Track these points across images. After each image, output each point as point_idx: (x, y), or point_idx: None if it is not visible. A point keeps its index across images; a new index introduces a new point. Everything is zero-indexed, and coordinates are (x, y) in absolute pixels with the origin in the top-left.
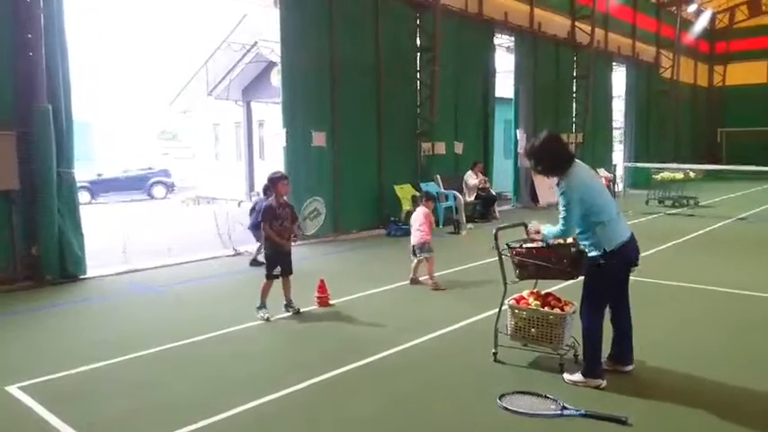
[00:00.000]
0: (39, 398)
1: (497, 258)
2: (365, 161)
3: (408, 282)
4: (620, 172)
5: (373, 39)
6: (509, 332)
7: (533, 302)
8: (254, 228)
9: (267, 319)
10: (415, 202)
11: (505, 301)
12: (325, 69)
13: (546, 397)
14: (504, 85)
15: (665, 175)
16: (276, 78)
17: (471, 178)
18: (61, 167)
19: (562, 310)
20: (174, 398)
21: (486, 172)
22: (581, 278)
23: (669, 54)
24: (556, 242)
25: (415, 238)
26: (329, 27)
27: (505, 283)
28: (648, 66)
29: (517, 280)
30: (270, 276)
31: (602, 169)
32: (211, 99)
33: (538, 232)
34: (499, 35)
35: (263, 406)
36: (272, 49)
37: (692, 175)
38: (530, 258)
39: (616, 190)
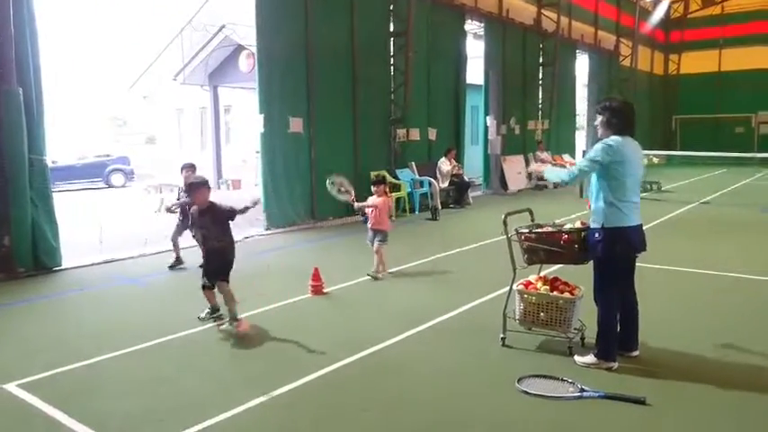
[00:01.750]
0: (43, 395)
1: (506, 243)
2: (341, 148)
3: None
4: (579, 158)
5: (348, 23)
6: (517, 317)
7: (542, 287)
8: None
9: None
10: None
11: (514, 286)
12: (301, 55)
13: (563, 380)
14: (472, 72)
15: None
16: (245, 63)
17: (445, 165)
18: (33, 154)
19: (571, 294)
20: (185, 393)
21: (459, 158)
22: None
23: (628, 42)
24: (565, 226)
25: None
26: (304, 11)
27: (515, 269)
28: (609, 54)
29: (526, 265)
30: (204, 287)
31: (567, 155)
32: (175, 84)
33: (539, 171)
34: (469, 21)
35: (277, 398)
36: (235, 31)
37: (655, 160)
38: (540, 243)
39: None
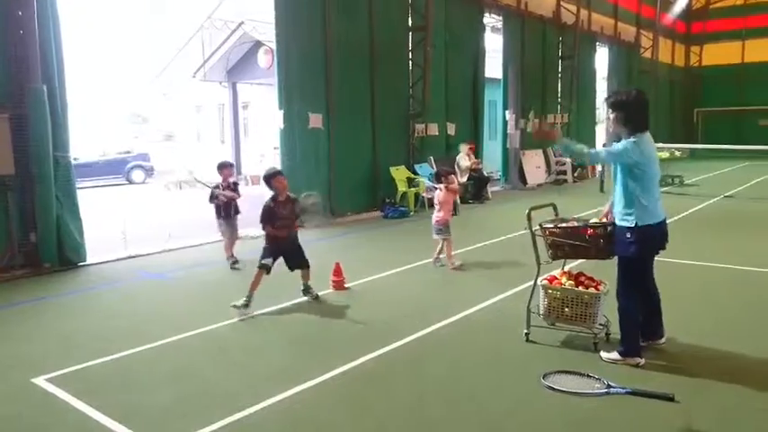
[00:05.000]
0: (71, 389)
1: (531, 239)
2: (360, 143)
3: (432, 261)
4: None
5: (366, 18)
6: (541, 312)
7: (566, 282)
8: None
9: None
10: (438, 179)
11: (538, 282)
12: (320, 50)
13: (589, 376)
14: (489, 66)
15: None
16: (263, 59)
17: (464, 160)
18: (57, 151)
19: (596, 289)
20: (213, 386)
21: (478, 153)
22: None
23: (649, 34)
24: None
25: (434, 217)
26: (323, 5)
27: (539, 263)
28: (629, 46)
29: (550, 260)
30: (263, 266)
31: None
32: (194, 81)
33: (556, 134)
34: (488, 14)
35: (302, 393)
36: (255, 27)
37: (677, 154)
38: (565, 238)
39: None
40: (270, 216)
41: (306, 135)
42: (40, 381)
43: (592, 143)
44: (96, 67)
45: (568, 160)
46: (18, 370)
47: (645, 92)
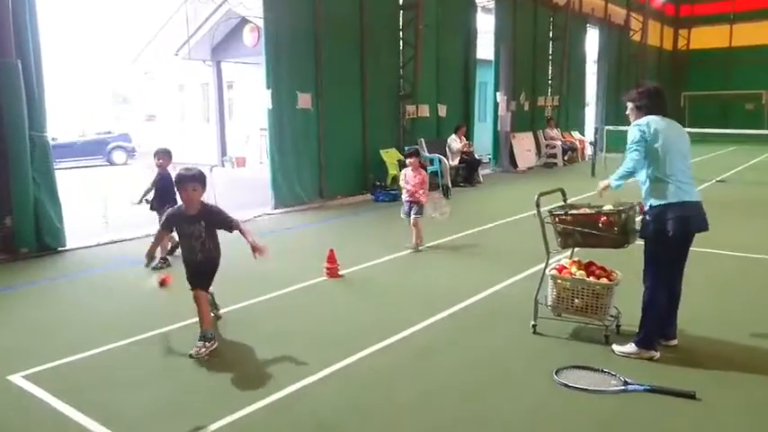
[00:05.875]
0: (49, 388)
1: (540, 225)
2: (349, 124)
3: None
4: (589, 135)
5: None
6: (550, 303)
7: (577, 272)
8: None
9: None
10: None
11: (546, 271)
12: (309, 27)
13: (603, 371)
14: (479, 47)
15: None
16: (249, 37)
17: (455, 142)
18: (33, 131)
19: (609, 279)
20: (202, 384)
21: (469, 135)
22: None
23: (639, 17)
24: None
25: (405, 195)
26: None
27: (548, 252)
28: (619, 28)
29: (560, 249)
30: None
31: (576, 132)
32: (176, 60)
33: (605, 188)
34: None
35: (299, 391)
36: (241, 2)
37: None
38: (576, 226)
39: (587, 154)
40: (171, 226)
41: (295, 115)
42: (16, 378)
43: (580, 126)
44: (75, 46)
45: (558, 143)
46: None
47: (659, 84)
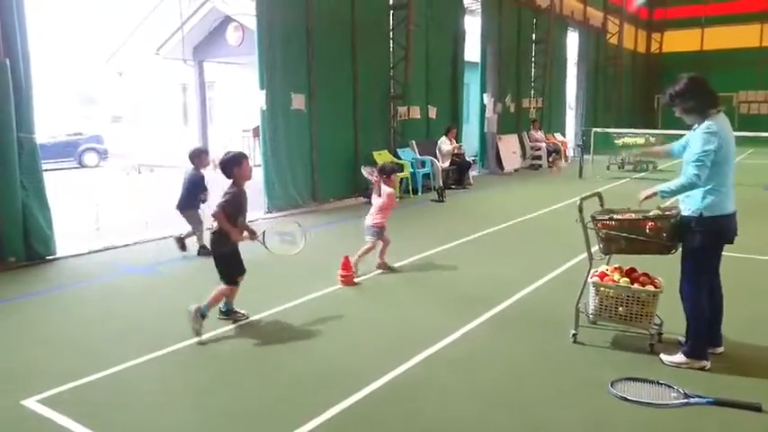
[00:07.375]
0: (68, 411)
1: (582, 231)
2: (341, 125)
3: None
4: (570, 137)
5: None
6: (591, 311)
7: (620, 279)
8: (185, 206)
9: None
10: (381, 175)
11: (588, 279)
12: (302, 28)
13: (660, 383)
14: (465, 49)
15: (626, 140)
16: (233, 36)
17: (445, 144)
18: (22, 132)
19: (654, 286)
20: (228, 404)
21: (458, 137)
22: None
23: (615, 20)
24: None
25: (372, 219)
26: None
27: (591, 259)
28: (597, 31)
29: (603, 255)
30: (234, 282)
31: (558, 134)
32: (153, 59)
33: (650, 197)
34: None
35: (336, 417)
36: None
37: (651, 140)
38: (621, 231)
39: (569, 156)
40: (237, 208)
41: (289, 117)
42: (31, 403)
43: (562, 128)
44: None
45: (543, 145)
46: (0, 390)
47: (700, 75)
